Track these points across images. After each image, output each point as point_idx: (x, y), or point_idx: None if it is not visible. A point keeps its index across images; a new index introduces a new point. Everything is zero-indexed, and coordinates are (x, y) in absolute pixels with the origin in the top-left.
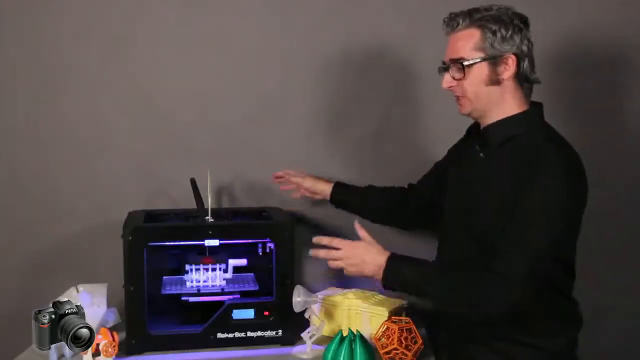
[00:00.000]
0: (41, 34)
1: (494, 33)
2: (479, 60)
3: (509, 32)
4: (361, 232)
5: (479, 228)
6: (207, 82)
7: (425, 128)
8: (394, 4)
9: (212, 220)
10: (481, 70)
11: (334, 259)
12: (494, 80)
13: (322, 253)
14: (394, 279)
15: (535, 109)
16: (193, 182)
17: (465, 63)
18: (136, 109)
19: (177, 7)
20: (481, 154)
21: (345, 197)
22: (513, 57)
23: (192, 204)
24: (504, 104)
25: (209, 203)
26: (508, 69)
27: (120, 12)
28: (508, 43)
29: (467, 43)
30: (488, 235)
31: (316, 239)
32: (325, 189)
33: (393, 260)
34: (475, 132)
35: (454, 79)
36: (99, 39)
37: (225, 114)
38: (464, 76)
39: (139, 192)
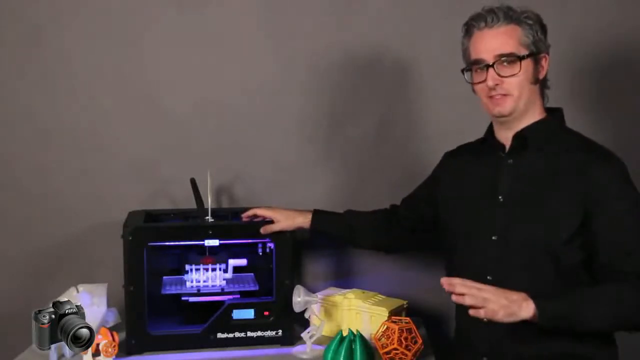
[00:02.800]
0: (42, 34)
1: (535, 31)
2: (528, 54)
3: (543, 33)
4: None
5: (543, 241)
6: (208, 82)
7: (424, 129)
8: (394, 5)
9: (212, 220)
10: (528, 67)
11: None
12: (535, 79)
13: (464, 290)
14: (549, 312)
15: (558, 114)
16: (193, 182)
17: (520, 56)
18: (136, 109)
19: (177, 7)
20: (510, 161)
21: (327, 227)
22: (547, 57)
23: (192, 204)
24: (535, 106)
25: (209, 203)
26: (542, 70)
27: (121, 13)
28: (543, 43)
29: (511, 38)
30: (559, 245)
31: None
32: (304, 222)
33: (537, 296)
34: (491, 139)
35: (500, 75)
36: (100, 39)
37: (226, 114)
38: (520, 70)
39: (139, 192)
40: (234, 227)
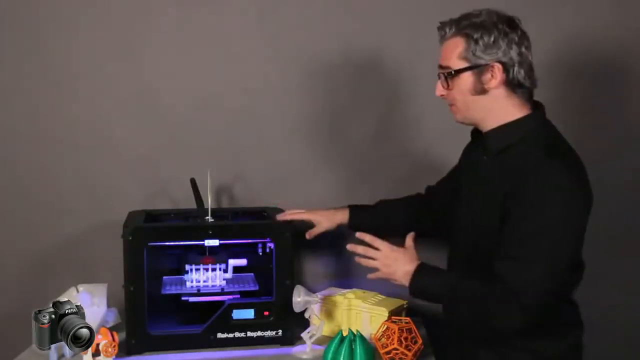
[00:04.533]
0: (42, 35)
1: (476, 42)
2: (462, 69)
3: (492, 39)
4: (409, 240)
5: (480, 230)
6: (208, 82)
7: (424, 129)
8: (393, 5)
9: (212, 220)
10: (466, 80)
11: (371, 258)
12: (480, 90)
13: (360, 249)
14: (419, 288)
15: (536, 112)
16: (193, 182)
17: (450, 72)
18: (136, 109)
19: (177, 8)
20: (485, 157)
21: (365, 221)
22: (498, 65)
23: (192, 204)
24: (498, 112)
25: (209, 203)
26: (494, 78)
27: (121, 14)
28: (492, 50)
29: (453, 53)
30: (488, 237)
31: (359, 235)
32: (342, 218)
33: (420, 270)
34: (478, 135)
35: (443, 87)
36: (100, 40)
37: (226, 114)
38: (449, 86)
39: (139, 192)
40: (234, 227)
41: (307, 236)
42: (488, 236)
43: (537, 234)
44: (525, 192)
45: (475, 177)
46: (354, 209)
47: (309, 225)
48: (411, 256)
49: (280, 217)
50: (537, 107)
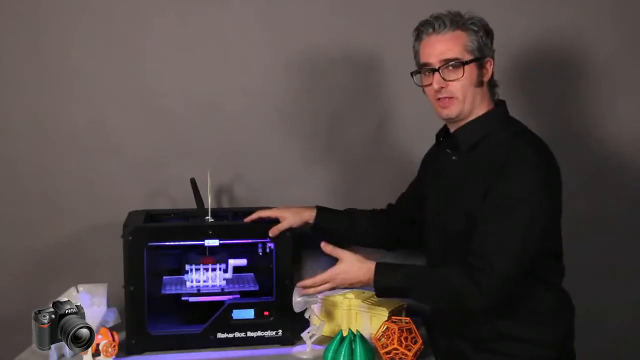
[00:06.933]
0: (43, 35)
1: (479, 37)
2: (473, 59)
3: (488, 38)
4: (334, 251)
5: (457, 230)
6: (208, 82)
7: (424, 129)
8: (393, 4)
9: (212, 220)
10: (472, 71)
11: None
12: (479, 82)
13: (312, 291)
14: (384, 287)
15: (500, 106)
16: (193, 182)
17: (465, 61)
18: (136, 109)
19: (177, 8)
20: (454, 157)
21: (331, 222)
22: (491, 60)
23: (192, 204)
24: (481, 105)
25: (209, 203)
26: (487, 73)
27: (122, 14)
28: (487, 47)
29: (457, 44)
30: (467, 236)
31: (300, 284)
32: (309, 216)
33: (380, 269)
34: (445, 136)
35: (445, 79)
36: (101, 40)
37: (226, 114)
38: (463, 75)
39: (139, 192)
40: (234, 227)
41: (271, 234)
42: (463, 236)
43: (498, 214)
44: (505, 178)
45: (445, 180)
46: (321, 209)
47: (309, 226)
48: (358, 263)
49: (248, 218)
50: (499, 103)
